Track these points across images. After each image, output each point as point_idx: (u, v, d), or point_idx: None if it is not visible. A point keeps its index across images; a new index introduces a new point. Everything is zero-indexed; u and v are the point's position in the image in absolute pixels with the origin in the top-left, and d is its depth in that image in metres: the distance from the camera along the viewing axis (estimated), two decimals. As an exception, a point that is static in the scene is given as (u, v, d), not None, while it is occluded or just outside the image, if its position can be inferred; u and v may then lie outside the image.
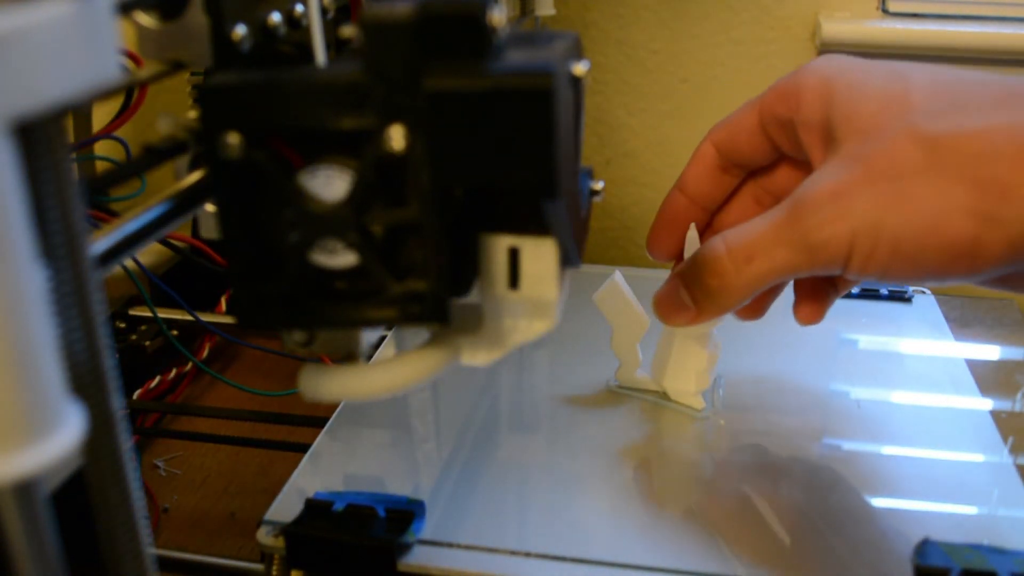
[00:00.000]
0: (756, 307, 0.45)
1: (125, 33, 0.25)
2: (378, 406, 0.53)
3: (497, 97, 0.24)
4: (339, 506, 0.42)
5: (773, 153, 0.43)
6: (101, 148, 0.68)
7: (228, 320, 0.65)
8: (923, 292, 0.66)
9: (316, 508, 0.42)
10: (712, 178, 0.44)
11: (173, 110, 0.27)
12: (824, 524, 0.43)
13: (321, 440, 0.50)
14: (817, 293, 0.44)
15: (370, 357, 0.32)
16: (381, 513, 0.42)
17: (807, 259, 0.35)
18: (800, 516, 0.43)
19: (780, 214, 0.36)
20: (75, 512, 0.22)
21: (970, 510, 0.45)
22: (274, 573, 0.42)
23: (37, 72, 0.17)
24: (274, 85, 0.25)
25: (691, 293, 0.40)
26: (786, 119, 0.40)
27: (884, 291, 0.65)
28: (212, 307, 0.69)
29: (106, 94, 0.20)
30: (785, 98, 0.40)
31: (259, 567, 0.43)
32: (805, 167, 0.41)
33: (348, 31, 0.29)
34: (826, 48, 0.71)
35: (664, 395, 0.52)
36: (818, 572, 0.41)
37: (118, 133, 0.57)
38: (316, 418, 0.55)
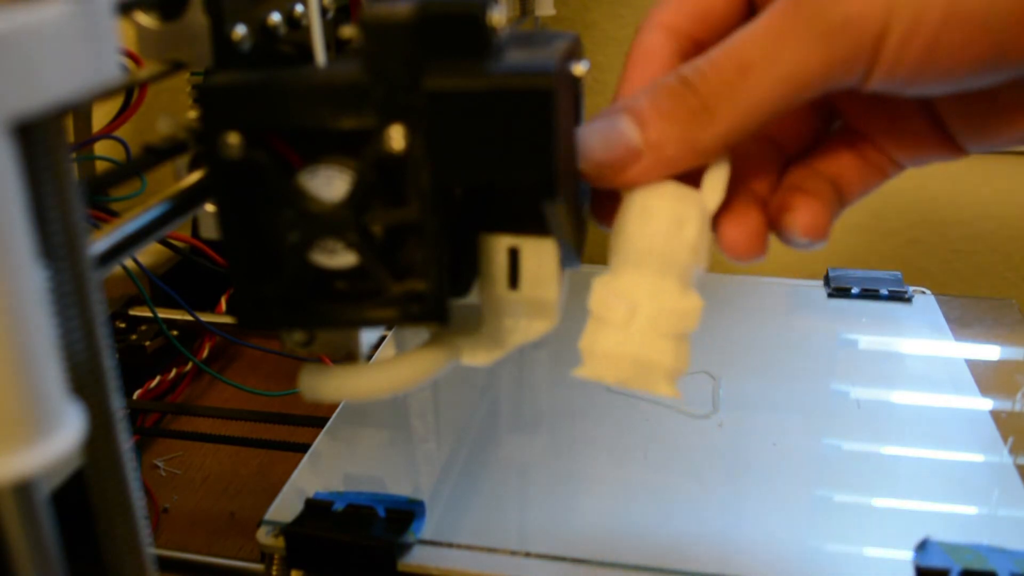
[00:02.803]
0: (756, 227, 0.30)
1: (125, 33, 0.25)
2: (378, 406, 0.53)
3: (497, 97, 0.24)
4: (339, 506, 0.42)
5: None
6: (101, 148, 0.68)
7: (228, 320, 0.65)
8: (923, 292, 0.66)
9: (316, 508, 0.42)
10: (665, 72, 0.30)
11: (173, 110, 0.27)
12: (824, 524, 0.43)
13: (321, 440, 0.50)
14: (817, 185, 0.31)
15: (370, 357, 0.32)
16: (381, 513, 0.42)
17: (824, 53, 0.25)
18: (800, 516, 0.43)
19: (780, 3, 0.25)
20: (75, 512, 0.22)
21: (970, 510, 0.45)
22: (274, 573, 0.42)
23: (37, 72, 0.17)
24: (274, 85, 0.25)
25: (645, 130, 0.26)
26: None
27: (884, 291, 0.65)
28: (212, 307, 0.69)
29: (106, 94, 0.20)
30: None
31: (259, 567, 0.43)
32: None
33: (348, 31, 0.29)
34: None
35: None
36: (818, 572, 0.41)
37: (118, 133, 0.57)
38: (316, 418, 0.55)
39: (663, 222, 0.27)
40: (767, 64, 0.25)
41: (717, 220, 0.29)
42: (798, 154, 0.31)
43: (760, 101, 0.25)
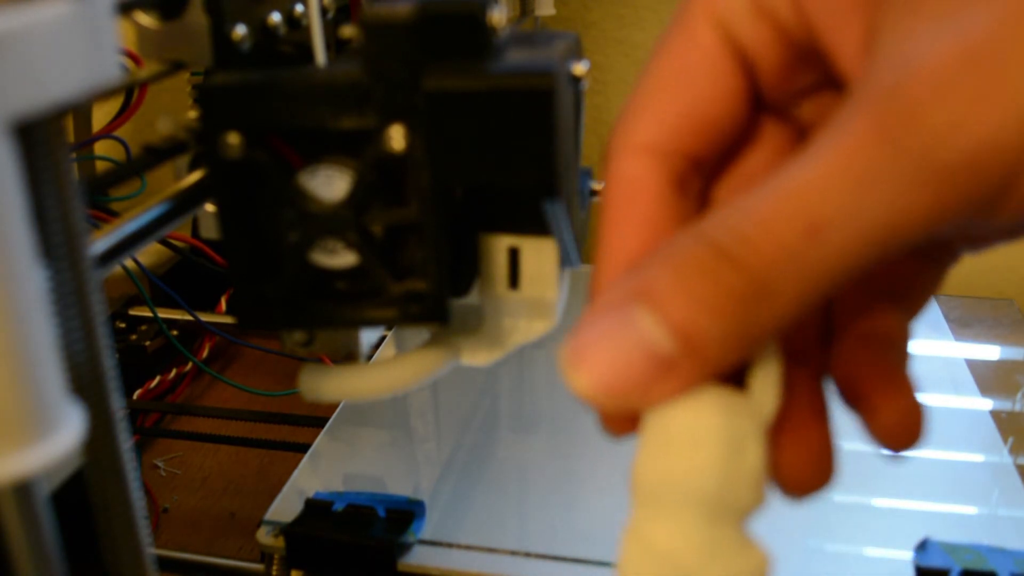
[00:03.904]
0: (822, 440, 0.22)
1: (125, 33, 0.25)
2: (378, 406, 0.53)
3: (497, 97, 0.24)
4: (339, 506, 0.42)
5: (745, 116, 0.22)
6: (101, 148, 0.68)
7: (228, 320, 0.65)
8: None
9: (316, 508, 0.42)
10: (664, 214, 0.21)
11: (173, 110, 0.27)
12: (824, 524, 0.43)
13: (321, 440, 0.50)
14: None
15: (370, 357, 0.32)
16: (381, 513, 0.41)
17: (933, 196, 0.17)
18: (799, 516, 0.43)
19: (859, 123, 0.18)
20: (75, 512, 0.22)
21: (970, 510, 0.45)
22: (274, 573, 0.42)
23: (37, 72, 0.17)
24: (274, 85, 0.25)
25: (677, 328, 0.18)
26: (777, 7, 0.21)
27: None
28: (212, 307, 0.69)
29: (106, 94, 0.20)
30: None
31: (259, 567, 0.43)
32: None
33: (348, 31, 0.29)
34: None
35: None
36: (818, 572, 0.41)
37: (118, 133, 0.57)
38: (316, 418, 0.55)
39: (716, 451, 0.19)
40: (848, 219, 0.17)
41: (772, 431, 0.21)
42: None
43: (839, 268, 0.18)
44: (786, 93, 0.22)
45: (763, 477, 0.20)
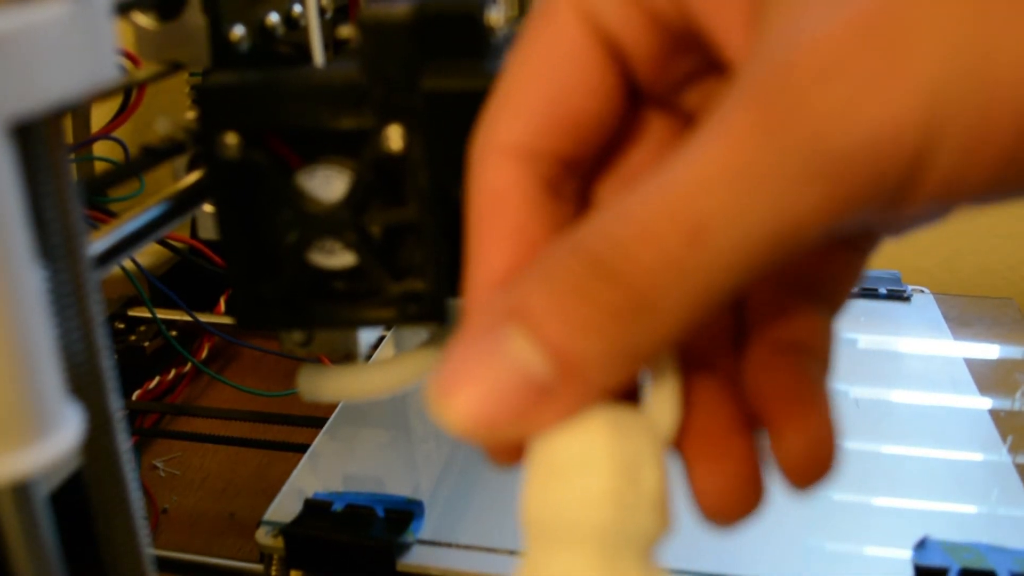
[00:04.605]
0: (744, 461, 0.19)
1: (123, 33, 0.25)
2: (377, 406, 0.53)
3: (495, 97, 0.24)
4: (338, 506, 0.42)
5: (617, 114, 0.20)
6: (99, 148, 0.68)
7: (227, 321, 0.65)
8: (922, 291, 0.66)
9: (315, 508, 0.42)
10: (537, 222, 0.19)
11: (171, 111, 0.27)
12: (823, 523, 0.43)
13: (320, 440, 0.50)
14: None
15: (369, 357, 0.32)
16: (380, 513, 0.42)
17: (825, 189, 0.15)
18: (799, 515, 0.43)
19: (740, 114, 0.16)
20: (74, 512, 0.22)
21: (969, 509, 0.45)
22: (273, 573, 0.42)
23: (35, 72, 0.17)
24: (272, 85, 0.25)
25: (553, 350, 0.17)
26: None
27: (883, 290, 0.65)
28: (211, 308, 0.69)
29: (104, 94, 0.20)
30: None
31: (258, 567, 0.43)
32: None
33: (346, 31, 0.29)
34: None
35: None
36: (818, 571, 0.41)
37: (116, 133, 0.57)
38: (315, 418, 0.55)
39: (608, 477, 0.17)
40: (731, 222, 0.15)
41: (680, 444, 0.19)
42: None
43: (725, 276, 0.16)
44: (667, 82, 0.20)
45: (665, 501, 0.18)
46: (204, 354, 0.70)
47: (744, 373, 0.20)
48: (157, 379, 0.66)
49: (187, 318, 0.64)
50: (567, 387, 0.17)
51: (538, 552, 0.18)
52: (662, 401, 0.19)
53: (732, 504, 0.19)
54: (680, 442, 0.19)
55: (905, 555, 0.40)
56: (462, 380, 0.17)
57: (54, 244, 0.19)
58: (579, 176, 0.20)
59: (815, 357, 0.20)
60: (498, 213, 0.19)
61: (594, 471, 0.17)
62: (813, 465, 0.19)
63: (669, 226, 0.16)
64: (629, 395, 0.19)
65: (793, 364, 0.19)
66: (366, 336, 0.31)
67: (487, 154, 0.19)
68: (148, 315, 0.66)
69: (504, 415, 0.17)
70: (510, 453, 0.19)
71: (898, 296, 0.65)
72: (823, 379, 0.19)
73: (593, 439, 0.17)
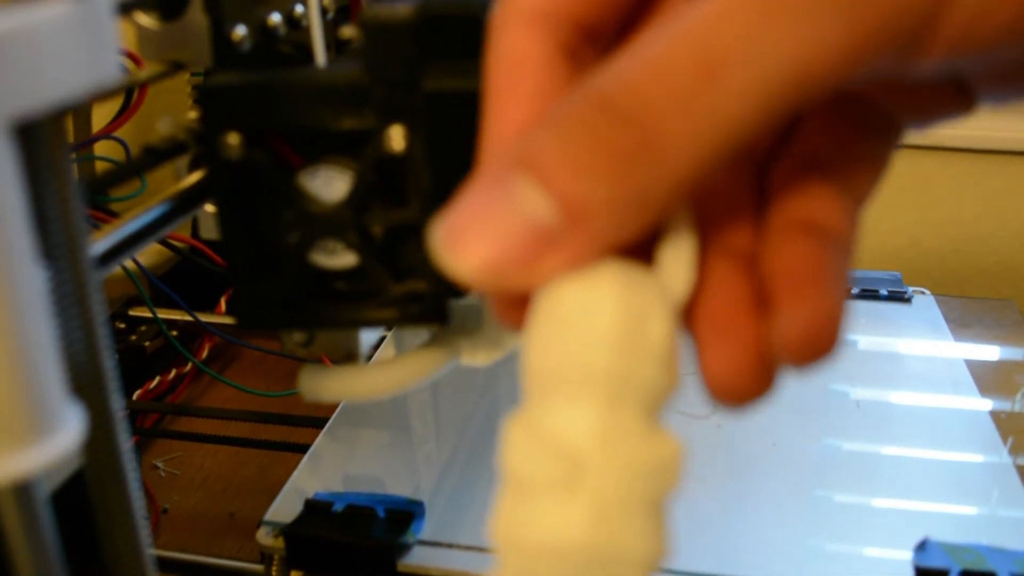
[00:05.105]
0: (754, 342, 0.18)
1: (125, 33, 0.25)
2: (378, 407, 0.53)
3: (497, 97, 0.24)
4: (339, 506, 0.42)
5: None
6: (101, 148, 0.68)
7: (228, 321, 0.65)
8: (922, 292, 0.66)
9: (316, 508, 0.42)
10: (555, 84, 0.19)
11: (173, 111, 0.27)
12: (823, 524, 0.43)
13: (321, 440, 0.50)
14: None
15: (370, 357, 0.32)
16: (381, 513, 0.41)
17: (846, 29, 0.15)
18: (799, 516, 0.43)
19: None
20: (75, 512, 0.22)
21: (969, 510, 0.45)
22: (274, 573, 0.42)
23: (37, 72, 0.17)
24: (274, 85, 0.25)
25: (560, 196, 0.16)
26: None
27: (883, 292, 0.65)
28: (212, 308, 0.69)
29: (106, 94, 0.20)
30: None
31: (259, 567, 0.43)
32: None
33: (348, 31, 0.29)
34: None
35: None
36: (818, 572, 0.41)
37: (118, 133, 0.57)
38: (316, 418, 0.55)
39: (612, 324, 0.17)
40: (749, 57, 0.15)
41: (693, 323, 0.18)
42: (773, 154, 0.20)
43: (739, 117, 0.15)
44: None
45: (672, 357, 0.17)
46: (205, 354, 0.70)
47: (760, 252, 0.19)
48: (158, 379, 0.66)
49: (188, 318, 0.64)
50: (573, 234, 0.16)
51: (538, 402, 0.17)
52: (675, 262, 0.18)
53: (741, 385, 0.18)
54: (691, 320, 0.18)
55: (905, 556, 0.40)
56: (470, 228, 0.17)
57: (56, 244, 0.19)
58: (599, 45, 0.19)
59: (835, 241, 0.19)
60: (516, 77, 0.19)
61: (598, 316, 0.17)
62: (811, 342, 0.18)
63: (683, 62, 0.15)
64: (644, 259, 0.18)
65: (811, 244, 0.18)
66: (367, 336, 0.31)
67: (506, 20, 0.19)
68: (149, 315, 0.66)
69: (511, 263, 0.17)
70: (517, 307, 0.18)
71: (899, 297, 0.65)
72: (841, 264, 0.18)
73: (599, 288, 0.17)
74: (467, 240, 0.17)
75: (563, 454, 0.17)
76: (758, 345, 0.18)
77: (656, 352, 0.17)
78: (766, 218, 0.19)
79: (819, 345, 0.18)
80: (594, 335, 0.17)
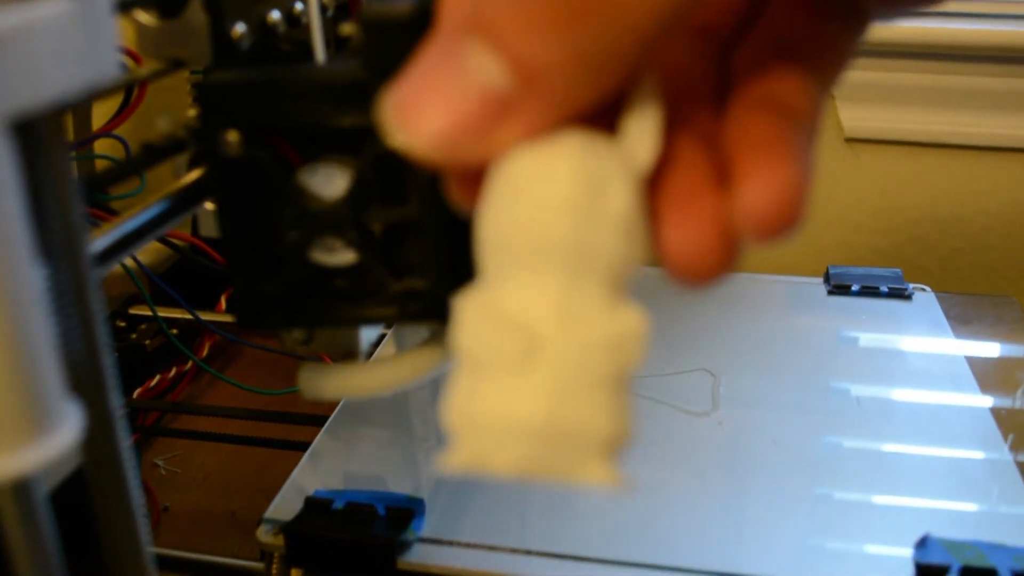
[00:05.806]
0: (715, 215, 0.17)
1: (124, 31, 0.25)
2: (378, 404, 0.53)
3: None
4: (339, 504, 0.42)
5: None
6: (100, 146, 0.68)
7: (228, 319, 0.65)
8: (923, 289, 0.66)
9: (316, 506, 0.42)
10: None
11: (173, 108, 0.27)
12: (824, 521, 0.43)
13: (321, 438, 0.50)
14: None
15: (370, 355, 0.32)
16: (381, 511, 0.41)
17: None
18: (800, 513, 0.43)
19: None
20: (75, 511, 0.22)
21: (970, 507, 0.45)
22: (274, 571, 0.42)
23: (37, 70, 0.17)
24: (274, 83, 0.25)
25: (513, 58, 0.16)
26: None
27: (884, 289, 0.65)
28: (212, 306, 0.69)
29: (105, 92, 0.20)
30: None
31: (259, 565, 0.43)
32: None
33: (348, 29, 0.29)
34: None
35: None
36: (819, 569, 0.41)
37: (117, 131, 0.57)
38: (316, 416, 0.55)
39: (569, 191, 0.16)
40: None
41: (654, 197, 0.18)
42: (739, 39, 0.20)
43: None
44: None
45: (633, 227, 0.17)
46: (205, 352, 0.70)
47: (723, 129, 0.18)
48: (158, 377, 0.66)
49: (188, 316, 0.64)
50: (529, 98, 0.16)
51: (492, 277, 0.17)
52: (639, 131, 0.17)
53: (701, 261, 0.17)
54: (651, 196, 0.18)
55: (906, 553, 0.40)
56: (421, 98, 0.16)
57: (55, 242, 0.19)
58: None
59: (798, 118, 0.18)
60: None
61: (555, 182, 0.16)
62: (774, 214, 0.17)
63: None
64: (609, 131, 0.17)
65: (774, 118, 0.18)
66: (367, 334, 0.31)
67: None
68: (149, 313, 0.66)
69: (465, 133, 0.16)
70: (474, 183, 0.17)
71: (899, 294, 0.65)
72: (805, 140, 0.18)
73: (557, 155, 0.16)
74: (418, 111, 0.16)
75: (519, 329, 0.16)
76: (720, 220, 0.17)
77: (617, 221, 0.16)
78: (730, 99, 0.19)
79: (782, 217, 0.17)
80: (551, 202, 0.16)
